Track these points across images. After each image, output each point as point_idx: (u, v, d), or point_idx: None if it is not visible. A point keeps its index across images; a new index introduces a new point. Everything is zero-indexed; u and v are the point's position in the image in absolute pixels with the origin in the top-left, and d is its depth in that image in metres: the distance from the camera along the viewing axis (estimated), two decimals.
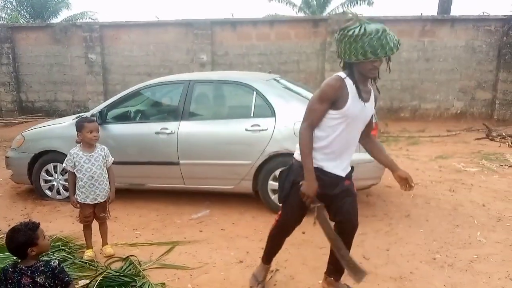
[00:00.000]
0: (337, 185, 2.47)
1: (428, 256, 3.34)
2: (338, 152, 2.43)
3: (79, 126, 3.25)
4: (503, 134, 8.47)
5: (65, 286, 2.16)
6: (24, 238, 2.12)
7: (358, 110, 2.36)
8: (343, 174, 2.49)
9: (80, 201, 3.31)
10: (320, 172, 2.42)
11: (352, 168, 2.58)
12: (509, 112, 10.26)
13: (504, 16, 10.41)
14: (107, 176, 3.37)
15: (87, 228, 3.40)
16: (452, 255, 3.36)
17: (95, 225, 3.44)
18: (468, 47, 10.39)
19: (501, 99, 10.26)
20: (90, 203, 3.31)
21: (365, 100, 2.38)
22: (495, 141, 8.19)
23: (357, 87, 2.33)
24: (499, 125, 9.76)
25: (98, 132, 3.30)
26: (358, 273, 2.46)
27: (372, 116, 2.54)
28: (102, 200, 3.34)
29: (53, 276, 2.13)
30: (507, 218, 4.13)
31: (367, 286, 2.88)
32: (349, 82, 2.33)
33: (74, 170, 3.27)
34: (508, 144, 7.75)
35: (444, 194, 4.88)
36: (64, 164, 3.33)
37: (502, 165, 6.22)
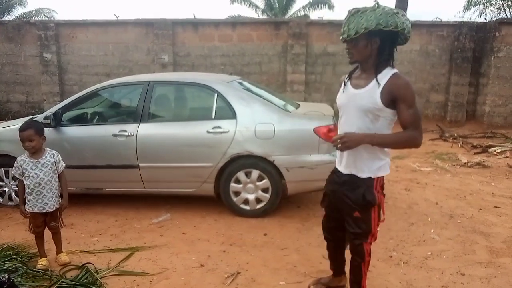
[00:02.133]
0: (335, 181, 2.41)
1: (385, 254, 3.45)
2: None
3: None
4: (455, 135, 8.90)
5: None
6: None
7: (344, 97, 2.25)
8: (346, 171, 2.32)
9: (28, 210, 3.16)
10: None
11: (367, 200, 2.25)
12: (460, 114, 10.77)
13: (455, 22, 10.94)
14: (56, 184, 3.21)
15: (39, 238, 3.26)
16: (408, 252, 3.49)
17: (48, 233, 3.30)
18: (422, 51, 10.82)
19: (453, 101, 10.75)
20: (38, 212, 3.15)
21: (355, 86, 2.18)
22: (447, 141, 8.59)
23: (349, 74, 2.28)
24: (452, 126, 10.23)
25: (32, 140, 3.05)
26: None
27: (401, 108, 2.10)
28: (51, 210, 3.17)
29: None
30: (458, 215, 4.34)
31: None
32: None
33: (23, 178, 3.12)
34: (460, 145, 8.14)
35: (400, 193, 5.06)
36: (12, 172, 3.17)
37: (454, 165, 6.52)
